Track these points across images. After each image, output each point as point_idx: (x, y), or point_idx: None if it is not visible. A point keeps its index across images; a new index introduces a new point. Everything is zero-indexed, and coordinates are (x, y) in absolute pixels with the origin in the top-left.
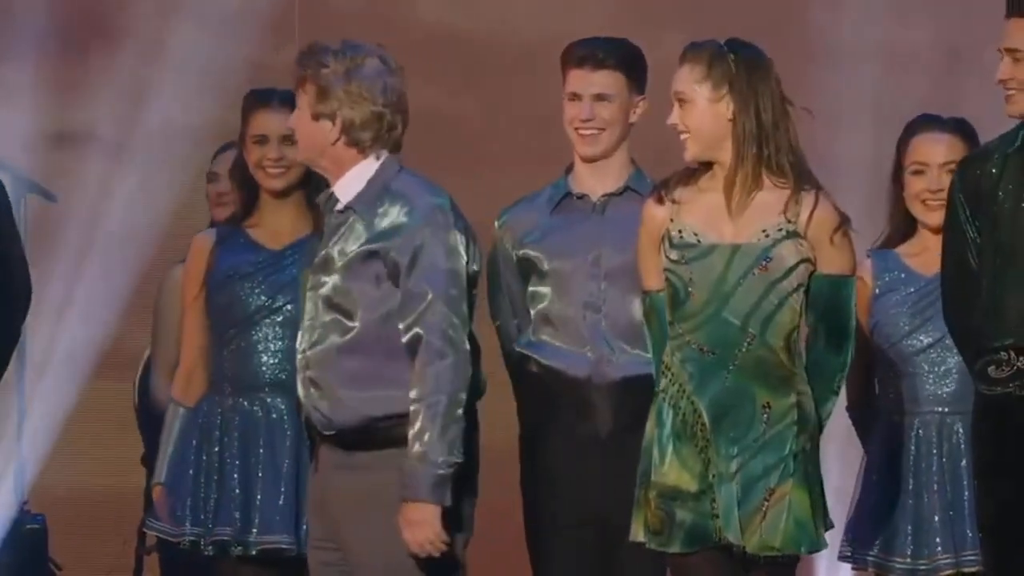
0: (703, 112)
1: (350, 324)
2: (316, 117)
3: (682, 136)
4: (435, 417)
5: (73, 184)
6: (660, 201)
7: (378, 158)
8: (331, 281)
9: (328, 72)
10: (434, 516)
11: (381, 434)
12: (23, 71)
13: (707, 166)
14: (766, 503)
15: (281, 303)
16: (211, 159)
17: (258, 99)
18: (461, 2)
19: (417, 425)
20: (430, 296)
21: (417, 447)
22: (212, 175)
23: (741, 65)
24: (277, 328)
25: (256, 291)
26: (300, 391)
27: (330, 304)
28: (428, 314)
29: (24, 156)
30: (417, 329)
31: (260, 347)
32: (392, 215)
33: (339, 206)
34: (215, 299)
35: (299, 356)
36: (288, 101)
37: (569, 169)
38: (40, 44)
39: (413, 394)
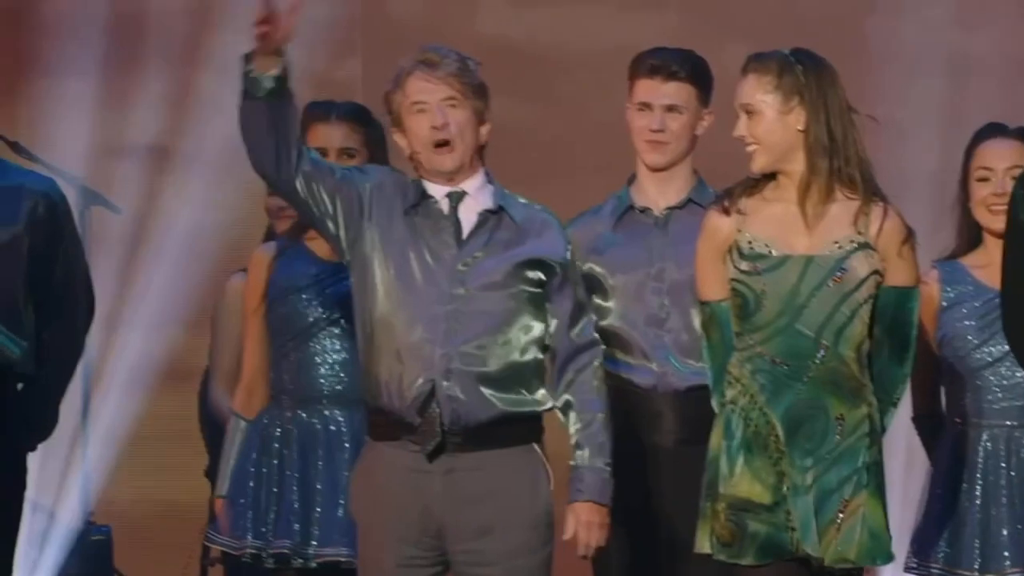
0: (772, 123)
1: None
2: (483, 121)
3: (749, 148)
4: (608, 425)
5: (136, 196)
6: (725, 212)
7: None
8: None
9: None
10: (607, 518)
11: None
12: (86, 85)
13: (770, 176)
14: (841, 515)
15: (338, 315)
16: None
17: (317, 112)
18: (520, 15)
19: (595, 431)
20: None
21: (600, 453)
22: None
23: (810, 75)
24: (335, 340)
25: (314, 303)
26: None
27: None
28: (591, 325)
29: (88, 168)
30: (594, 337)
31: (318, 359)
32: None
33: (482, 209)
34: (274, 311)
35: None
36: (347, 114)
37: (631, 180)
38: (102, 58)
39: (588, 401)
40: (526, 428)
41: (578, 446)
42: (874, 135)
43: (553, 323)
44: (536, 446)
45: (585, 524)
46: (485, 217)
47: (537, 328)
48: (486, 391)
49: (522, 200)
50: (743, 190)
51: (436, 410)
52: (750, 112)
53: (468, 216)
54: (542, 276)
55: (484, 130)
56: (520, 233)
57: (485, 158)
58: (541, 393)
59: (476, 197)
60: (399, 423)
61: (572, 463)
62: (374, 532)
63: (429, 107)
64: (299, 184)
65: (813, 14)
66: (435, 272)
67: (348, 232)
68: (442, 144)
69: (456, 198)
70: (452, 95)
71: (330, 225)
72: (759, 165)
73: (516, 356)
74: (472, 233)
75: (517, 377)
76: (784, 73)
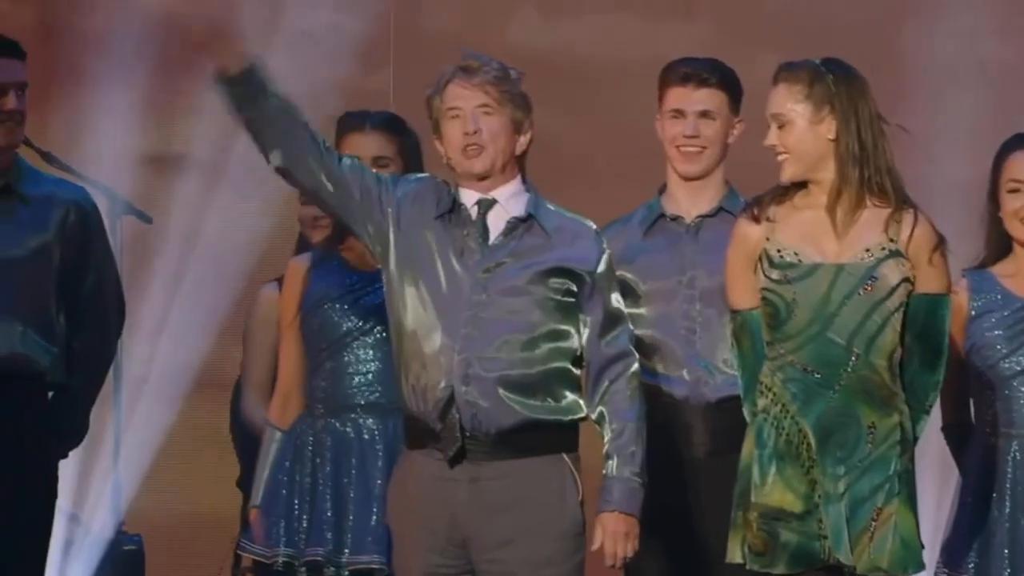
0: (803, 132)
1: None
2: (520, 131)
3: (780, 157)
4: (640, 434)
5: (168, 206)
6: (755, 220)
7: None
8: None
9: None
10: (635, 528)
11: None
12: (118, 95)
13: (800, 184)
14: (873, 523)
15: (372, 325)
16: None
17: (351, 122)
18: (551, 26)
19: (625, 441)
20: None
21: (629, 463)
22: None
23: (841, 85)
24: (369, 350)
25: (348, 313)
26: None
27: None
28: (627, 335)
29: (120, 178)
30: (628, 347)
31: (352, 369)
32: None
33: (511, 216)
34: (308, 322)
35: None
36: (381, 124)
37: (662, 190)
38: (134, 69)
39: (620, 411)
40: (554, 437)
41: (608, 456)
42: (906, 145)
43: (585, 333)
44: (566, 456)
45: (611, 535)
46: (514, 224)
47: (567, 337)
48: (507, 396)
49: (561, 210)
50: (772, 198)
51: (456, 415)
52: (781, 121)
53: (496, 223)
54: (571, 285)
55: (523, 139)
56: (550, 241)
57: (525, 168)
58: (569, 401)
59: (507, 205)
60: (425, 430)
61: (603, 473)
62: (405, 540)
63: (464, 113)
64: (324, 179)
65: (844, 23)
66: (460, 278)
67: (377, 240)
68: (474, 150)
69: (486, 205)
70: (487, 102)
71: (360, 229)
72: (789, 174)
73: (540, 363)
74: (498, 240)
75: (542, 384)
76: (815, 82)
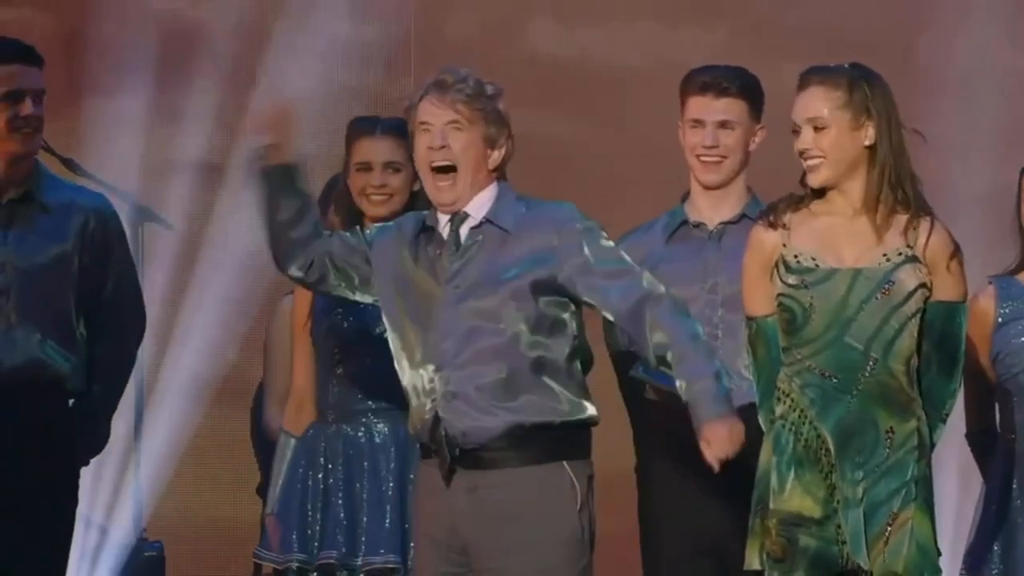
0: (842, 138)
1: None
2: (495, 146)
3: (812, 161)
4: (701, 349)
5: (189, 213)
6: (772, 226)
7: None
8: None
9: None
10: (730, 425)
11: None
12: (139, 103)
13: (817, 191)
14: (889, 528)
15: (382, 330)
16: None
17: (362, 127)
18: (571, 33)
19: (689, 364)
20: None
21: (701, 376)
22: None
23: (876, 91)
24: (378, 355)
25: (357, 318)
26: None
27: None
28: (639, 280)
29: (141, 185)
30: (645, 289)
31: (362, 374)
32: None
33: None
34: (319, 327)
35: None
36: (392, 129)
37: (685, 197)
38: (155, 77)
39: (670, 337)
40: (554, 444)
41: (681, 385)
42: (927, 154)
43: (594, 305)
44: (567, 464)
45: (706, 442)
46: (473, 232)
47: (554, 331)
48: (491, 404)
49: (529, 201)
50: (788, 205)
51: (443, 433)
52: (820, 125)
53: (466, 237)
54: (542, 275)
55: (496, 154)
56: (510, 238)
57: (509, 174)
58: (564, 400)
59: (476, 216)
60: (423, 445)
61: (684, 400)
62: (418, 547)
63: (433, 128)
64: (340, 283)
65: (864, 32)
66: (434, 296)
67: (375, 290)
68: (440, 170)
69: (458, 221)
70: (456, 119)
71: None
72: (823, 179)
73: (522, 365)
74: (463, 252)
75: (527, 385)
76: (854, 88)
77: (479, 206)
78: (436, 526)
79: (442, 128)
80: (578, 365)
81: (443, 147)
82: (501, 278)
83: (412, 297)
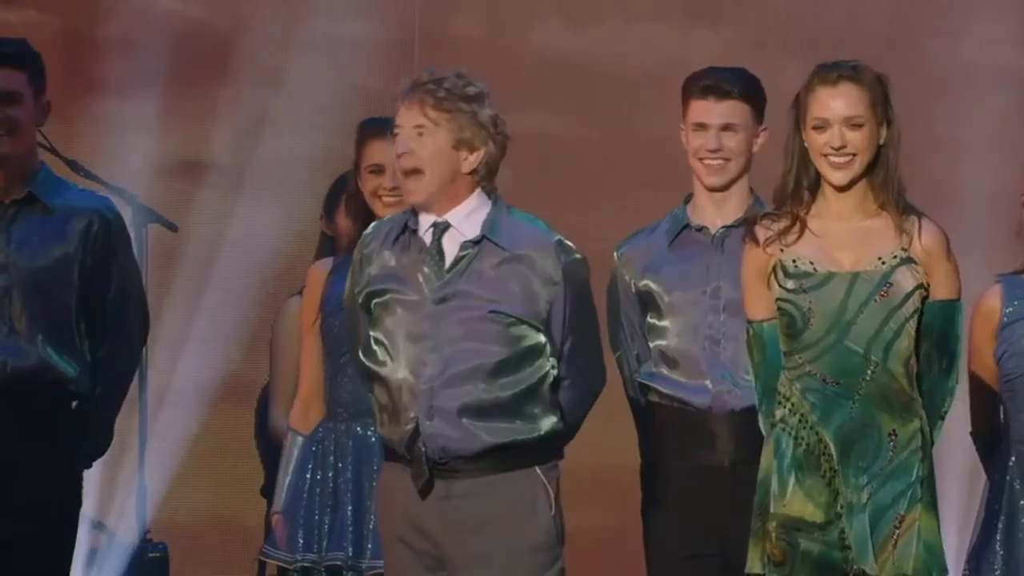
0: (872, 136)
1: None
2: (470, 148)
3: (845, 158)
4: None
5: (195, 214)
6: (757, 244)
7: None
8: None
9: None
10: None
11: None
12: (143, 103)
13: (813, 194)
14: (896, 531)
15: None
16: (328, 191)
17: (373, 128)
18: (576, 33)
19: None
20: None
21: None
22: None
23: (889, 90)
24: None
25: None
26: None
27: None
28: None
29: (146, 186)
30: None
31: None
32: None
33: (464, 239)
34: (328, 326)
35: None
36: None
37: (688, 199)
38: (160, 77)
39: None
40: (525, 453)
41: None
42: (933, 154)
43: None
44: (538, 469)
45: None
46: (467, 248)
47: (536, 356)
48: (472, 424)
49: (524, 220)
50: (770, 220)
51: (422, 448)
52: (857, 123)
53: (451, 248)
54: (530, 312)
55: (472, 157)
56: (503, 263)
57: (487, 180)
58: (542, 420)
59: (461, 227)
60: (397, 452)
61: None
62: (387, 549)
63: (400, 132)
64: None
65: (871, 32)
66: (419, 307)
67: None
68: (407, 173)
69: (440, 230)
70: (421, 123)
71: None
72: (852, 175)
73: (507, 387)
74: (452, 266)
75: (509, 408)
76: (880, 87)
77: (463, 217)
78: (408, 531)
79: (408, 132)
80: (550, 383)
81: (408, 152)
82: (491, 301)
83: (394, 302)
